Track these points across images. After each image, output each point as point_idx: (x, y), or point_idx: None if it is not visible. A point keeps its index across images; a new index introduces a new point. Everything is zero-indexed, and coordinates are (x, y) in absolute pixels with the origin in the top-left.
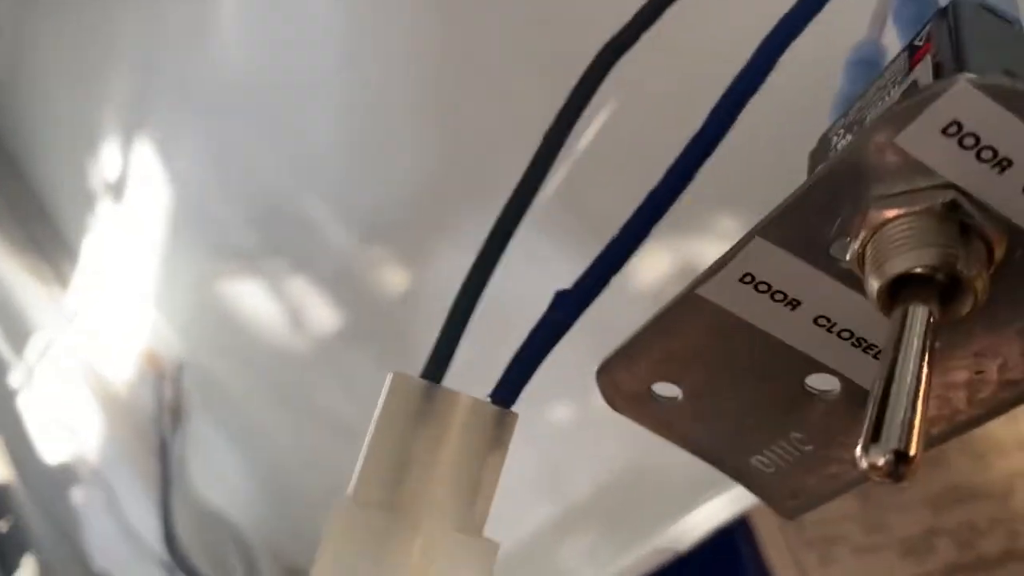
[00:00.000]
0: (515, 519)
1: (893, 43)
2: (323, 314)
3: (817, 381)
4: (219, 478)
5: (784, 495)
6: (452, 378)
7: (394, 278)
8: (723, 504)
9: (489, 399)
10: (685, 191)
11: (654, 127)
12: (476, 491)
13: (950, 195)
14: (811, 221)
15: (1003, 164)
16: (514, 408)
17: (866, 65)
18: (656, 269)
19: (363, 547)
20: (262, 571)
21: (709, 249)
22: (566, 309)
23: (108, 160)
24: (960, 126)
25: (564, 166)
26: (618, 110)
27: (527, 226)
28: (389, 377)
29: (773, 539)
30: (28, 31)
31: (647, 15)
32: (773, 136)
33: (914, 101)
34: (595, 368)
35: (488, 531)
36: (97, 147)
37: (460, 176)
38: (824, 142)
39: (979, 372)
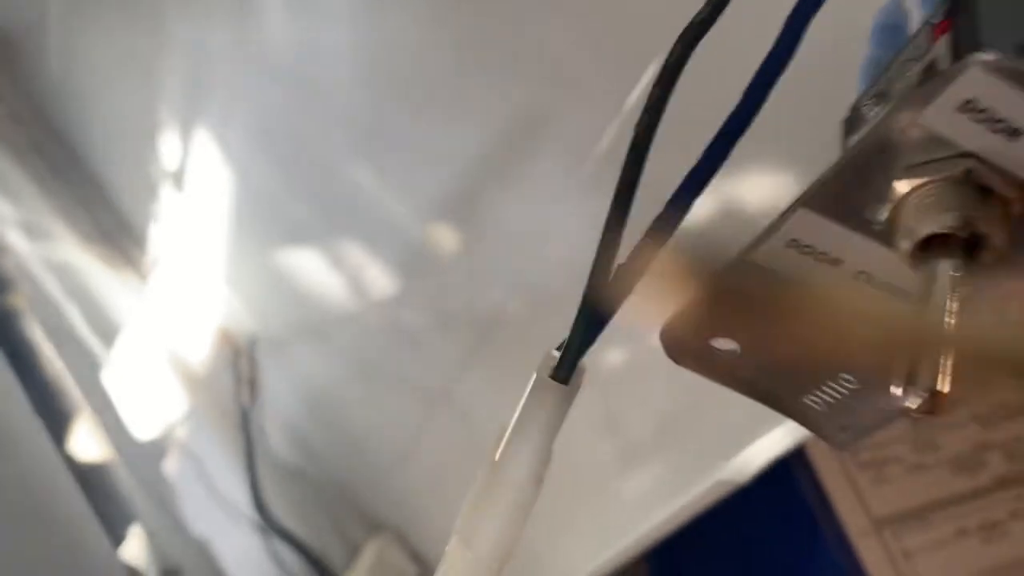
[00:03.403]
0: (577, 458)
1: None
2: (383, 279)
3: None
4: (299, 443)
5: (835, 429)
6: None
7: (449, 240)
8: (780, 436)
9: None
10: None
11: None
12: None
13: (968, 163)
14: (847, 191)
15: (1014, 133)
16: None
17: (891, 30)
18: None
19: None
20: (348, 526)
21: (745, 187)
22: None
23: (168, 148)
24: (973, 104)
25: None
26: None
27: None
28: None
29: (828, 464)
30: (79, 23)
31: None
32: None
33: (932, 85)
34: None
35: (553, 470)
36: (156, 136)
37: (513, 138)
38: (855, 111)
39: (1005, 313)
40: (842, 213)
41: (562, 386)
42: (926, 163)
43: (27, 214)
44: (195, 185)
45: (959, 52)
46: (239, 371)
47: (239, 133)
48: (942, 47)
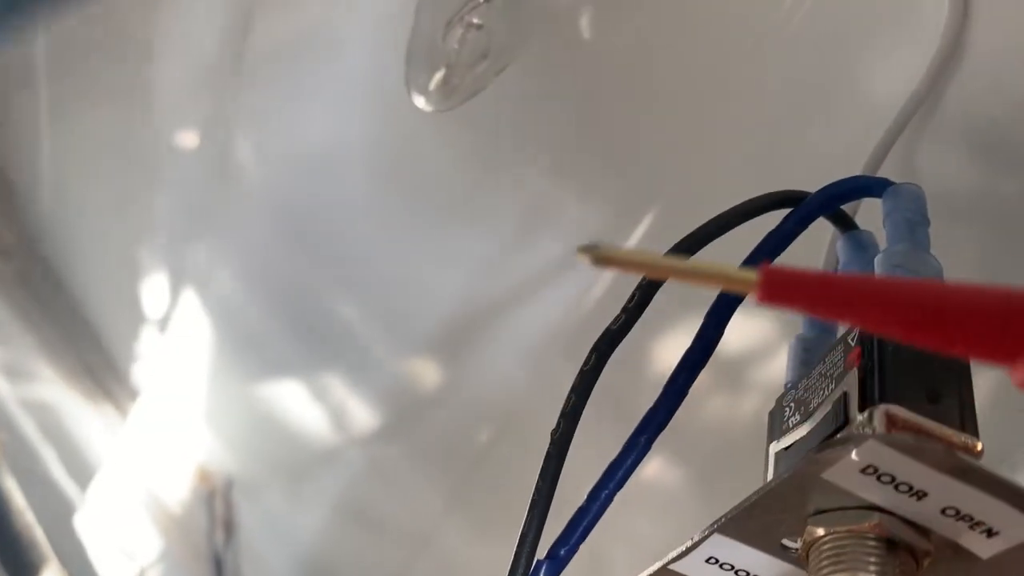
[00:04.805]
0: None
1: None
2: (365, 420)
3: None
4: None
5: None
6: None
7: (433, 380)
8: None
9: None
10: None
11: None
12: None
13: (875, 517)
14: (762, 522)
15: (919, 494)
16: None
17: None
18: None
19: None
20: None
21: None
22: None
23: (154, 289)
24: (876, 468)
25: None
26: None
27: None
28: None
29: None
30: (73, 162)
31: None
32: None
33: (832, 452)
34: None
35: None
36: (143, 278)
37: (496, 280)
38: (779, 409)
39: None
40: (758, 540)
41: None
42: (835, 510)
43: (10, 352)
44: (179, 322)
45: (864, 402)
46: (214, 512)
47: (225, 272)
48: (852, 380)
